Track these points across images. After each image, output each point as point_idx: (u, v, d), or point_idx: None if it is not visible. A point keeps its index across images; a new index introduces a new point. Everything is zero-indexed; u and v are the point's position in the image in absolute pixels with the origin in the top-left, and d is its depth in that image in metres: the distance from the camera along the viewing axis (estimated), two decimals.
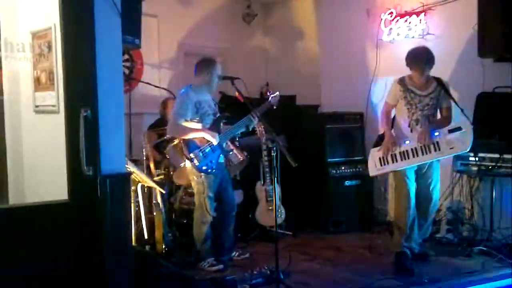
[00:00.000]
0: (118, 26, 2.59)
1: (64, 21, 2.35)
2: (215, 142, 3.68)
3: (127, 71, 5.25)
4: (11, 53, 2.70)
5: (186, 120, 3.72)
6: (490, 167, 3.89)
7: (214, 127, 3.77)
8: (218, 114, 3.87)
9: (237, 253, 4.00)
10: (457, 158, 4.10)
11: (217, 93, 4.03)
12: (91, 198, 2.40)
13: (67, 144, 2.36)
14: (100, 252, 2.42)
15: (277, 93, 4.02)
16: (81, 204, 2.39)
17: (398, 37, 4.97)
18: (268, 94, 4.02)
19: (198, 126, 3.73)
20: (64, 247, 2.37)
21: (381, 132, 4.03)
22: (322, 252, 4.22)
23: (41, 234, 2.32)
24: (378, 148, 3.91)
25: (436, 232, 4.36)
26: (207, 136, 3.69)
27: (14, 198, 2.82)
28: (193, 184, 3.82)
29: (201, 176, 3.72)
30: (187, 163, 3.74)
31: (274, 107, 3.97)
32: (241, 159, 4.19)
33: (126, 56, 5.22)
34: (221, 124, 3.86)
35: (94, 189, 2.39)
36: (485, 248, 3.94)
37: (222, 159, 3.85)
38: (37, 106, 2.78)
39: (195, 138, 3.69)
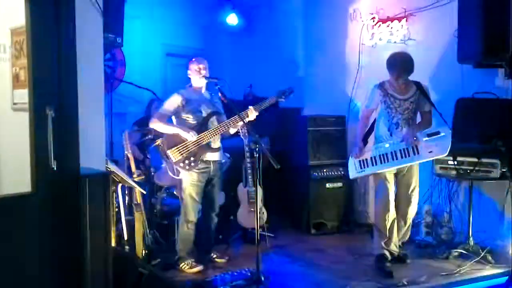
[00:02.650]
0: (100, 24, 2.56)
1: (32, 18, 2.30)
2: (189, 139, 3.68)
3: (109, 70, 5.19)
4: None
5: (169, 115, 3.78)
6: (468, 171, 3.95)
7: (201, 125, 3.77)
8: (210, 111, 3.86)
9: (216, 256, 3.99)
10: (436, 161, 4.16)
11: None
12: (70, 197, 2.36)
13: (34, 144, 2.32)
14: (80, 252, 2.38)
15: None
16: (54, 201, 2.34)
17: (380, 42, 5.03)
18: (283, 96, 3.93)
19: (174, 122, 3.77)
20: (34, 242, 2.32)
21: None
22: (304, 254, 4.24)
23: (11, 228, 2.27)
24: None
25: (415, 234, 4.41)
26: (181, 132, 3.70)
27: None
28: (179, 183, 3.82)
29: (182, 174, 3.71)
30: (167, 162, 3.74)
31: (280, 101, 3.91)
32: (223, 160, 4.17)
33: (108, 55, 5.16)
34: (210, 122, 3.85)
35: (71, 188, 2.36)
36: (463, 251, 4.01)
37: (212, 157, 3.83)
38: (15, 104, 2.73)
39: (176, 134, 3.70)
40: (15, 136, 2.70)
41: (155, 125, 3.78)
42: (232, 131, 3.88)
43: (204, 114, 3.81)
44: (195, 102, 3.81)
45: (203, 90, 3.91)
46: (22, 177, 2.43)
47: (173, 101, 3.79)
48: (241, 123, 3.72)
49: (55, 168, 2.30)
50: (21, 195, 2.37)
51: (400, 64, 3.74)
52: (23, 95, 2.57)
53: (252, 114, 3.75)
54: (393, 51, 3.91)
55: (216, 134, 3.77)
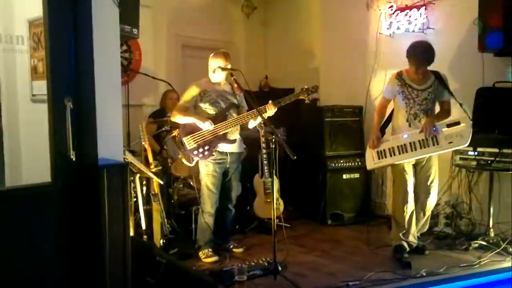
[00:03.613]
0: (116, 15, 2.57)
1: (49, 10, 2.31)
2: (204, 128, 3.70)
3: (125, 62, 5.23)
4: (10, 45, 2.68)
5: (188, 107, 3.81)
6: (489, 162, 3.88)
7: (219, 116, 3.77)
8: (230, 103, 3.85)
9: (233, 245, 4.00)
10: (456, 152, 4.10)
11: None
12: (88, 187, 2.39)
13: (53, 135, 2.35)
14: (98, 241, 2.41)
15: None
16: (73, 191, 2.38)
17: (398, 31, 4.95)
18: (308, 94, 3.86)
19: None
20: (54, 232, 2.36)
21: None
22: (320, 245, 4.23)
23: (33, 217, 2.31)
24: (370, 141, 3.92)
25: (434, 226, 4.37)
26: (197, 122, 3.71)
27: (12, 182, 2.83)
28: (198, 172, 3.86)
29: (192, 161, 3.74)
30: (182, 151, 3.77)
31: (306, 101, 3.88)
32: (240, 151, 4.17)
33: (124, 47, 5.19)
34: (231, 114, 3.84)
35: (90, 178, 2.38)
36: (483, 242, 3.95)
37: (229, 149, 3.83)
38: (34, 95, 2.76)
39: (192, 124, 3.73)
40: (35, 127, 2.74)
41: (175, 117, 3.82)
42: (251, 125, 3.85)
43: (223, 105, 3.81)
44: (213, 93, 3.82)
45: (223, 82, 3.89)
46: (42, 167, 2.46)
47: (191, 92, 3.82)
48: (259, 117, 3.69)
49: (74, 159, 2.32)
50: (40, 185, 2.41)
51: (421, 53, 3.66)
52: (41, 86, 2.60)
53: (270, 110, 3.69)
54: (413, 41, 3.82)
55: (232, 126, 3.75)
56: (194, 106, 3.83)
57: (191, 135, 3.74)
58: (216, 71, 3.78)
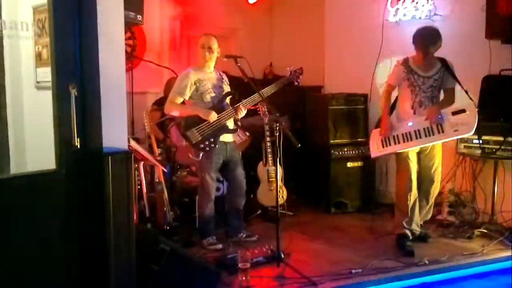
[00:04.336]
0: (120, 1, 2.55)
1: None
2: (210, 120, 3.65)
3: (129, 49, 5.20)
4: (15, 32, 2.66)
5: (185, 99, 3.71)
6: (494, 150, 3.86)
7: (216, 105, 3.74)
8: (226, 91, 3.83)
9: (245, 235, 3.97)
10: (460, 140, 4.08)
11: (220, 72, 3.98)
12: (93, 174, 2.40)
13: (57, 122, 2.35)
14: (103, 228, 2.43)
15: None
16: (77, 178, 2.38)
17: (405, 18, 4.90)
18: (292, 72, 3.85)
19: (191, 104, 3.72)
20: (59, 219, 2.37)
21: None
22: (323, 233, 4.24)
23: (38, 204, 2.32)
24: (379, 129, 3.90)
25: (438, 214, 4.37)
26: (201, 113, 3.66)
27: (17, 169, 2.84)
28: (196, 162, 3.82)
29: (200, 155, 3.70)
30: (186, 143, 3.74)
31: (295, 83, 3.85)
32: (243, 139, 4.17)
33: (129, 34, 5.16)
34: (226, 102, 3.82)
35: (94, 166, 2.39)
36: (486, 231, 3.96)
37: (226, 138, 3.82)
38: (38, 82, 2.76)
39: (194, 116, 3.67)
40: (39, 114, 2.74)
41: (171, 110, 3.73)
42: (240, 114, 3.75)
43: (217, 94, 3.77)
44: (209, 82, 3.76)
45: (212, 69, 3.84)
46: (47, 154, 2.47)
47: (186, 83, 3.70)
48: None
49: (78, 146, 2.33)
50: (45, 172, 2.41)
51: (428, 39, 3.61)
52: (46, 73, 2.59)
53: (241, 112, 3.68)
54: (421, 26, 3.78)
55: (235, 114, 3.73)
56: (189, 97, 3.73)
57: (196, 128, 3.66)
58: (211, 53, 3.71)
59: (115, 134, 2.55)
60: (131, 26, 4.51)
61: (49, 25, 2.38)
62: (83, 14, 2.37)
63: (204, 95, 3.73)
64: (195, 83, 3.71)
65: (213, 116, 3.66)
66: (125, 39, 3.91)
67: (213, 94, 3.75)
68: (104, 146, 2.46)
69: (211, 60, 3.77)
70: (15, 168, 2.84)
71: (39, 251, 2.31)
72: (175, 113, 3.77)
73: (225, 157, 3.83)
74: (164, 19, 5.58)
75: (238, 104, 3.73)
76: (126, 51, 4.08)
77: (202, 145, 3.67)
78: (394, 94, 3.93)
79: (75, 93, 2.30)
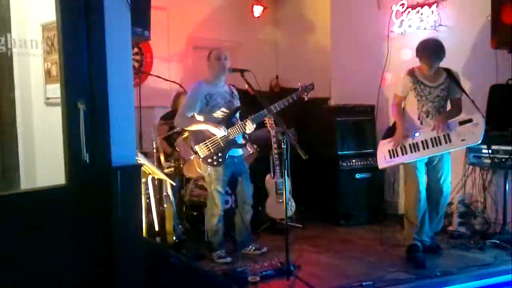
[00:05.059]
0: (128, 18, 2.59)
1: (62, 14, 2.34)
2: (219, 135, 3.67)
3: (136, 64, 5.26)
4: (25, 49, 2.71)
5: (195, 113, 3.74)
6: (503, 160, 3.83)
7: (225, 120, 3.76)
8: (235, 106, 3.85)
9: (254, 247, 3.94)
10: (470, 150, 4.06)
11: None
12: (102, 189, 2.41)
13: (67, 137, 2.37)
14: (112, 242, 2.44)
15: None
16: (87, 192, 2.40)
17: (410, 29, 4.92)
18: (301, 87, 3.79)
19: (201, 118, 3.74)
20: (68, 233, 2.38)
21: (392, 123, 3.99)
22: (333, 245, 4.21)
23: (48, 219, 2.33)
24: (387, 140, 3.89)
25: (448, 225, 4.33)
26: (211, 128, 3.67)
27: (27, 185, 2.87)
28: (204, 176, 3.83)
29: (208, 169, 3.72)
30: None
31: (305, 99, 3.85)
32: (251, 152, 4.18)
33: (136, 49, 5.23)
34: (235, 117, 3.84)
35: (103, 180, 2.41)
36: (498, 241, 3.91)
37: (235, 153, 3.82)
38: (48, 99, 2.80)
39: (204, 130, 3.69)
40: (49, 130, 2.78)
41: (181, 124, 3.76)
42: (248, 130, 3.73)
43: (227, 108, 3.78)
44: (218, 96, 3.77)
45: (223, 83, 3.86)
46: (56, 170, 2.49)
47: (197, 97, 3.71)
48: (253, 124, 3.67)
49: (87, 161, 2.35)
50: (55, 187, 2.44)
51: (431, 51, 3.62)
52: (55, 89, 2.63)
53: (249, 126, 3.67)
54: (423, 38, 3.80)
55: (244, 129, 3.73)
56: (199, 112, 3.74)
57: (204, 143, 3.68)
58: (220, 65, 3.73)
59: (123, 149, 2.57)
60: (138, 42, 4.56)
61: (58, 42, 2.42)
62: (91, 31, 2.41)
63: (214, 109, 3.75)
64: (205, 97, 3.73)
65: (223, 131, 3.67)
66: (133, 55, 3.96)
67: (223, 109, 3.77)
68: (113, 160, 2.48)
69: (223, 75, 3.79)
70: (25, 183, 2.86)
71: (48, 265, 2.32)
72: (185, 126, 3.79)
73: (234, 170, 3.83)
74: (171, 34, 5.64)
75: (246, 120, 3.73)
76: (133, 67, 4.14)
77: (211, 159, 3.68)
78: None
79: (84, 108, 2.33)
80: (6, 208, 2.25)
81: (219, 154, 3.69)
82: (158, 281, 2.80)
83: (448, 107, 3.82)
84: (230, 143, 3.73)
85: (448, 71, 3.72)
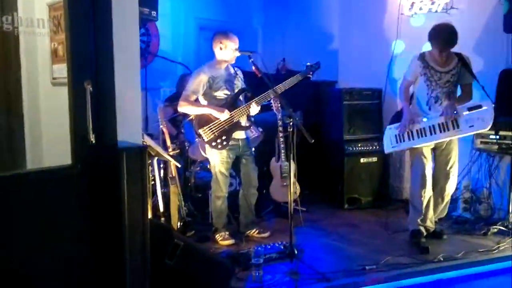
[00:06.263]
0: None
1: None
2: (222, 118, 3.65)
3: (143, 45, 5.23)
4: (31, 29, 2.69)
5: (198, 96, 3.72)
6: (510, 145, 3.80)
7: (229, 103, 3.74)
8: (240, 88, 3.82)
9: (258, 230, 3.97)
10: (477, 135, 4.03)
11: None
12: (108, 170, 2.42)
13: (73, 118, 2.37)
14: (118, 223, 2.45)
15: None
16: (92, 173, 2.41)
17: (420, 12, 4.83)
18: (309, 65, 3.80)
19: (204, 102, 3.73)
20: (74, 214, 2.40)
21: (399, 108, 3.96)
22: (337, 229, 4.23)
23: (52, 200, 2.35)
24: (394, 125, 3.86)
25: (453, 210, 4.32)
26: (214, 112, 3.66)
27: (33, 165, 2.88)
28: (209, 158, 3.83)
29: (212, 151, 3.71)
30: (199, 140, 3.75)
31: (310, 77, 3.83)
32: (256, 135, 4.17)
33: (143, 30, 5.18)
34: (240, 99, 3.82)
35: (109, 161, 2.41)
36: (502, 227, 3.90)
37: (240, 135, 3.82)
38: (54, 79, 2.79)
39: (208, 114, 3.68)
40: (55, 110, 2.78)
41: (184, 108, 3.74)
42: (253, 111, 3.74)
43: (231, 91, 3.76)
44: (222, 79, 3.75)
45: (229, 65, 3.83)
46: (62, 150, 2.50)
47: (200, 81, 3.70)
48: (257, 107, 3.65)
49: (93, 141, 2.35)
50: (61, 168, 2.44)
51: (444, 36, 3.54)
52: (61, 70, 2.62)
53: (253, 108, 3.68)
54: (436, 23, 3.71)
55: (248, 112, 3.72)
56: (203, 94, 3.74)
57: (208, 126, 3.67)
58: (233, 52, 3.73)
59: (129, 130, 2.56)
60: (145, 22, 4.52)
61: (64, 21, 2.40)
62: (98, 10, 2.39)
63: (217, 92, 3.73)
64: (208, 81, 3.71)
65: (226, 114, 3.66)
66: (140, 35, 3.93)
67: (226, 91, 3.75)
68: (119, 141, 2.48)
69: (230, 57, 3.75)
70: (31, 163, 2.88)
71: (54, 247, 2.34)
72: (188, 111, 3.78)
73: (238, 153, 3.83)
74: (178, 15, 5.59)
75: (251, 101, 3.72)
76: (140, 47, 4.10)
77: (215, 143, 3.68)
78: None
79: (91, 89, 2.32)
80: (11, 188, 2.26)
81: (223, 137, 3.68)
82: (163, 263, 2.82)
83: (459, 92, 3.78)
84: (234, 126, 3.72)
85: (459, 56, 3.66)
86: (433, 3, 4.70)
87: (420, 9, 4.82)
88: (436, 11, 4.66)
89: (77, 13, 2.34)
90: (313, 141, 3.29)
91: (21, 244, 2.24)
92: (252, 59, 3.67)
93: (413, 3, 4.88)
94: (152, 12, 3.83)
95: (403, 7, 4.96)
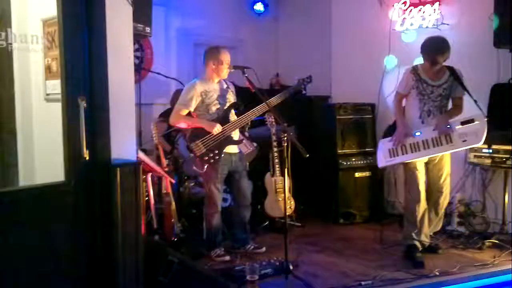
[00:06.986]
0: (129, 14, 2.57)
1: (63, 9, 2.32)
2: (214, 132, 3.64)
3: (137, 61, 5.24)
4: (25, 44, 2.69)
5: (190, 110, 3.72)
6: (504, 159, 3.83)
7: (220, 117, 3.74)
8: (231, 103, 3.83)
9: (253, 246, 3.94)
10: (470, 149, 4.05)
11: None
12: (102, 186, 2.40)
13: (67, 134, 2.36)
14: (111, 239, 2.42)
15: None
16: (86, 190, 2.39)
17: (411, 27, 4.89)
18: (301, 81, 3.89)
19: (197, 116, 3.74)
20: (68, 231, 2.37)
21: (392, 121, 3.98)
22: (332, 244, 4.20)
23: (45, 217, 2.32)
24: (387, 139, 3.87)
25: (447, 224, 4.32)
26: (205, 126, 3.65)
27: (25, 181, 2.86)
28: (202, 174, 3.81)
29: (204, 167, 3.70)
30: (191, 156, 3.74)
31: (303, 92, 3.86)
32: (250, 149, 4.17)
33: (136, 46, 5.20)
34: (231, 114, 3.82)
35: (103, 177, 2.39)
36: (497, 241, 3.90)
37: (232, 150, 3.82)
38: (48, 95, 2.78)
39: (200, 128, 3.67)
40: (48, 126, 2.76)
41: (175, 122, 3.72)
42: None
43: (223, 105, 3.77)
44: (215, 93, 3.76)
45: (221, 80, 3.84)
46: (55, 166, 2.48)
47: (192, 95, 3.69)
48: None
49: (87, 158, 2.33)
50: (54, 184, 2.42)
51: (436, 49, 3.59)
52: (55, 86, 2.62)
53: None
54: (428, 36, 3.76)
55: (240, 125, 3.73)
56: (195, 109, 3.73)
57: (200, 140, 3.65)
58: (225, 68, 3.73)
59: (123, 146, 2.55)
60: (139, 38, 4.54)
61: (58, 38, 2.40)
62: (92, 27, 2.40)
63: (210, 106, 3.73)
64: (201, 95, 3.71)
65: (218, 129, 3.66)
66: (134, 51, 3.94)
67: (218, 106, 3.76)
68: (113, 157, 2.47)
69: (224, 74, 3.77)
70: (24, 180, 2.85)
71: (47, 263, 2.31)
72: (180, 124, 3.77)
73: (231, 168, 3.82)
74: (172, 31, 5.61)
75: (243, 115, 3.72)
76: (134, 63, 4.11)
77: (207, 157, 3.66)
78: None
79: (84, 105, 2.31)
80: (4, 204, 2.23)
81: (216, 152, 3.67)
82: (157, 280, 2.79)
83: (450, 106, 3.81)
84: (226, 140, 3.72)
85: (451, 70, 3.70)
86: (423, 19, 4.77)
87: (411, 24, 4.89)
88: (427, 27, 4.72)
89: (71, 29, 2.35)
90: (307, 155, 3.29)
91: (14, 260, 2.20)
92: (246, 75, 3.69)
93: (404, 19, 4.94)
94: (146, 28, 3.85)
95: (395, 23, 5.02)
